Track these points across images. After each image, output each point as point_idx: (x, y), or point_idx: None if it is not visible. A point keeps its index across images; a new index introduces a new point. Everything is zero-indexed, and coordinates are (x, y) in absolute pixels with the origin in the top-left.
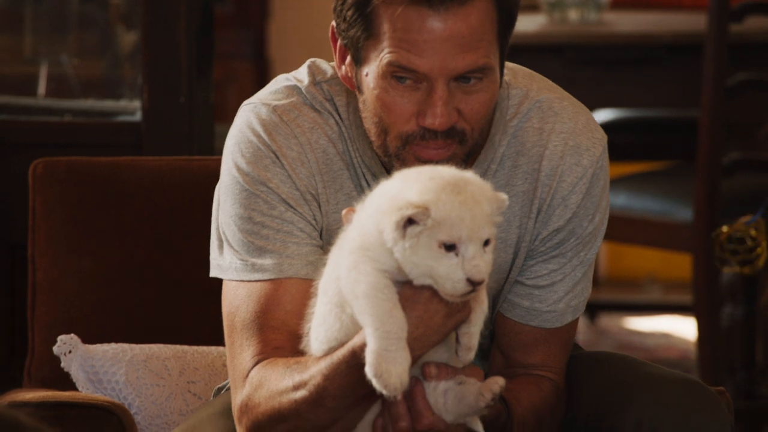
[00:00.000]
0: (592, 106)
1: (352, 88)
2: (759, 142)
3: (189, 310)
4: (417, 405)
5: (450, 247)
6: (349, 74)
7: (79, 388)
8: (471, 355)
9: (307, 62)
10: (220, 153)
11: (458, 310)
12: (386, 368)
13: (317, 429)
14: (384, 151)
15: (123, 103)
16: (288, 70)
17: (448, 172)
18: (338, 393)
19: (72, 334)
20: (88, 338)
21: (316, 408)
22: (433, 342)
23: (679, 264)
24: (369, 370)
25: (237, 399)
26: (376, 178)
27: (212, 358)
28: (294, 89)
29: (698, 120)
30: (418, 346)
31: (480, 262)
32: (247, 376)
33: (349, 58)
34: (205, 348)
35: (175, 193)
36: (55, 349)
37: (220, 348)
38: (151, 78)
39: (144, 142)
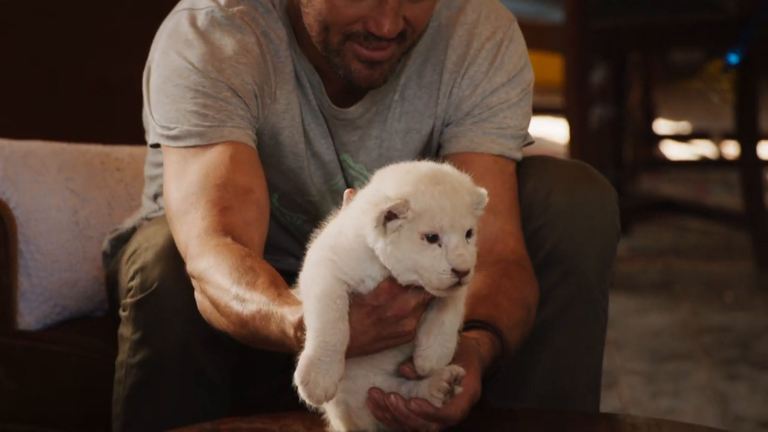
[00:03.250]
0: None
1: None
2: None
3: (70, 108)
4: (400, 414)
5: (432, 239)
6: None
7: None
8: (429, 365)
9: None
10: None
11: (391, 336)
12: (314, 378)
13: (241, 337)
14: (324, 46)
15: None
16: None
17: (425, 165)
18: (260, 334)
19: None
20: None
21: (240, 328)
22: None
23: (549, 67)
24: (297, 376)
25: (188, 266)
26: (315, 74)
27: (91, 155)
28: None
29: None
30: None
31: (464, 251)
32: (197, 239)
33: None
34: (84, 146)
35: None
36: None
37: (99, 146)
38: None
39: None
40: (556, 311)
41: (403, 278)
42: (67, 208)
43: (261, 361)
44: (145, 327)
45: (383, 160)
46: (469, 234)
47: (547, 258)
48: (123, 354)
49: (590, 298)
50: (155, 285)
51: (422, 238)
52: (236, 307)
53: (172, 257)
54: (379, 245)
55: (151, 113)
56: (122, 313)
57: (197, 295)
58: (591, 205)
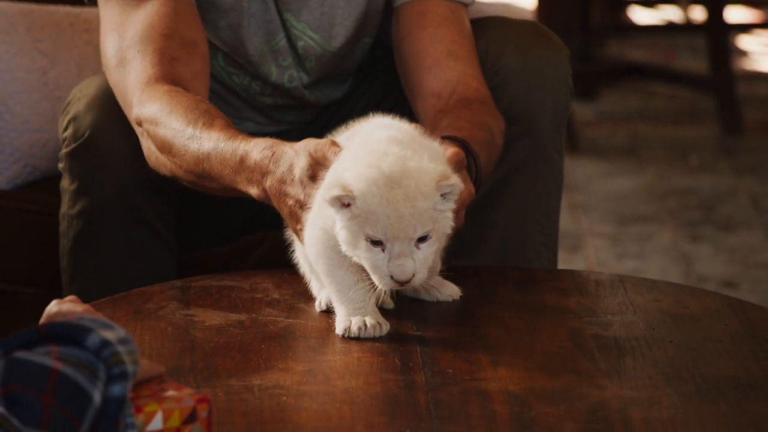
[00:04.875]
0: None
1: None
2: None
3: None
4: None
5: (376, 243)
6: None
7: None
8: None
9: None
10: None
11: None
12: (361, 326)
13: (192, 179)
14: None
15: None
16: None
17: (391, 161)
18: (213, 173)
19: None
20: None
21: (194, 167)
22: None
23: None
24: (347, 335)
25: (134, 111)
26: None
27: (59, 16)
28: None
29: None
30: None
31: (406, 262)
32: (146, 85)
33: None
34: (52, 7)
35: None
36: None
37: (68, 8)
38: None
39: None
40: (512, 170)
41: (350, 255)
42: (36, 68)
43: (227, 218)
44: (81, 177)
45: (326, 19)
46: (423, 239)
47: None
48: (64, 206)
49: (545, 156)
50: (87, 133)
51: (366, 239)
52: (192, 145)
53: (104, 105)
54: (336, 225)
55: None
56: (60, 166)
57: (142, 141)
58: (543, 64)
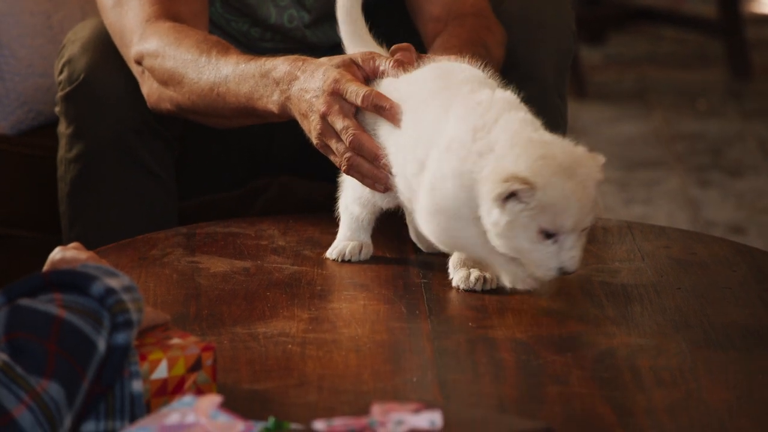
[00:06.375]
0: None
1: None
2: None
3: None
4: None
5: (549, 235)
6: None
7: None
8: None
9: None
10: None
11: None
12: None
13: (201, 108)
14: None
15: None
16: None
17: (561, 149)
18: (228, 97)
19: None
20: None
21: (209, 92)
22: None
23: None
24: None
25: (134, 49)
26: None
27: None
28: None
29: None
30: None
31: (578, 254)
32: (146, 23)
33: None
34: None
35: None
36: None
37: None
38: None
39: None
40: None
41: (504, 251)
42: (40, 12)
43: (232, 163)
44: (77, 120)
45: None
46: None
47: (503, 64)
48: (61, 150)
49: (548, 102)
50: (82, 76)
51: (539, 233)
52: (207, 72)
53: (99, 48)
54: (491, 218)
55: None
56: (56, 110)
57: (142, 80)
58: (545, 9)
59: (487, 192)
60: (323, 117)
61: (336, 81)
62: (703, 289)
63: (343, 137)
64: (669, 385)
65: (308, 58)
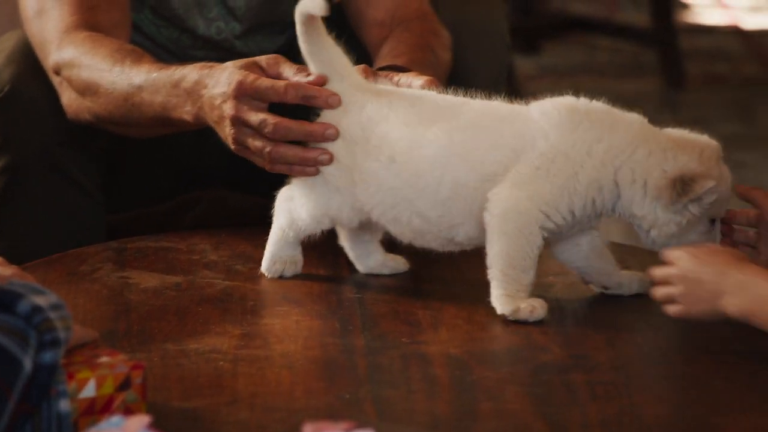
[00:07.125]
0: None
1: None
2: None
3: None
4: None
5: (713, 221)
6: None
7: None
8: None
9: None
10: None
11: None
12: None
13: (117, 118)
14: None
15: None
16: None
17: (707, 141)
18: (143, 106)
19: None
20: None
21: (123, 102)
22: None
23: None
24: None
25: (51, 58)
26: None
27: None
28: None
29: None
30: None
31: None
32: (64, 33)
33: None
34: None
35: None
36: None
37: None
38: None
39: None
40: None
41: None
42: None
43: (160, 176)
44: (2, 132)
45: None
46: None
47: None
48: None
49: None
50: (7, 88)
51: (710, 221)
52: (121, 82)
53: (24, 59)
54: (667, 215)
55: None
56: None
57: (60, 88)
58: (479, 20)
59: (663, 194)
60: (234, 120)
61: (240, 83)
62: (638, 303)
63: (265, 131)
64: (603, 400)
65: (216, 64)
